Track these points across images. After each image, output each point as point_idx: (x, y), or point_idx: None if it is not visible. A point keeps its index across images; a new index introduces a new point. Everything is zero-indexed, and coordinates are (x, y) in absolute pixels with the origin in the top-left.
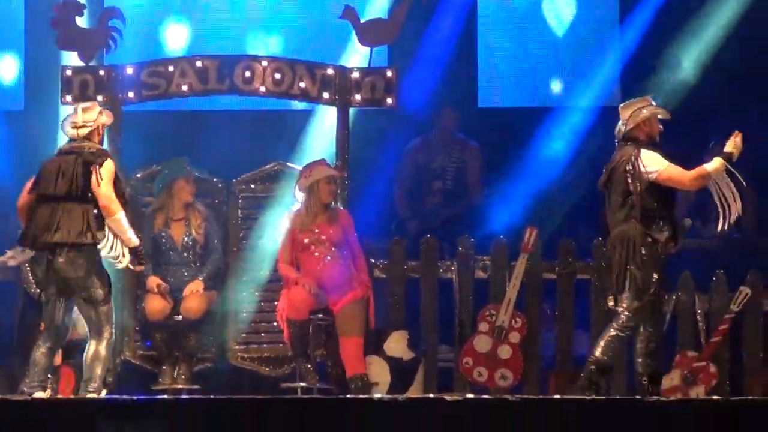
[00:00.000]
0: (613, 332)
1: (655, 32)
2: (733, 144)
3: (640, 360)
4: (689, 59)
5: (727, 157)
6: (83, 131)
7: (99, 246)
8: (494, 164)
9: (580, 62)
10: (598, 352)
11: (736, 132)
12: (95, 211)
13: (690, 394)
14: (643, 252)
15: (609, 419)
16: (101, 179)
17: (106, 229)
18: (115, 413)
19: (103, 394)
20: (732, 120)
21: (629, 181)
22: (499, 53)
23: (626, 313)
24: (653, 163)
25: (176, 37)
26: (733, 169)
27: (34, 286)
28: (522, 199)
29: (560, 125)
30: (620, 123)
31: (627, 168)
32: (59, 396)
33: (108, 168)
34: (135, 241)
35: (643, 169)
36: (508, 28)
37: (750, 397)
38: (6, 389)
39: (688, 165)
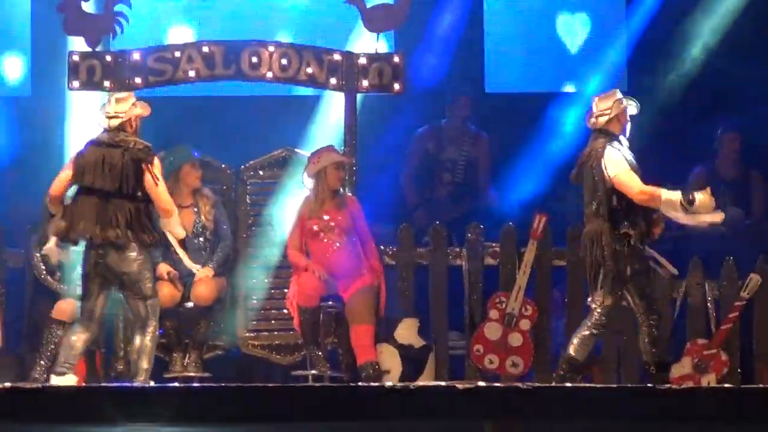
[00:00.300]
0: (587, 331)
1: (663, 17)
2: (701, 194)
3: (645, 349)
4: (699, 43)
5: (687, 201)
6: (114, 122)
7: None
8: (501, 150)
9: (587, 47)
10: (571, 350)
11: (708, 188)
12: (144, 208)
13: (701, 381)
14: (616, 248)
15: (620, 407)
16: (158, 180)
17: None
18: (126, 400)
19: (151, 384)
20: (740, 106)
21: (595, 179)
22: (506, 38)
23: (599, 310)
24: (612, 166)
25: (183, 23)
26: (689, 211)
27: (44, 273)
28: (530, 185)
29: (567, 111)
30: (595, 114)
31: (593, 165)
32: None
33: (158, 166)
34: (183, 233)
35: (604, 170)
36: (514, 12)
37: (761, 385)
38: (16, 377)
39: (696, 156)
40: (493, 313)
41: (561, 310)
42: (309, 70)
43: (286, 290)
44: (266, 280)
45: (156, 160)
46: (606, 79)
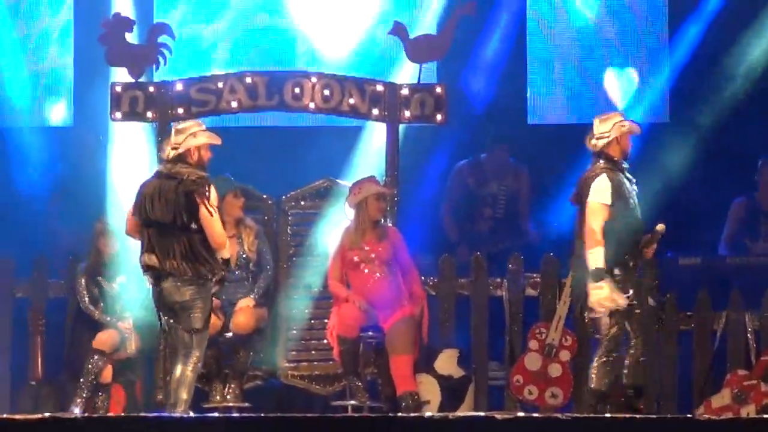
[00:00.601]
0: (602, 359)
1: (704, 48)
2: (608, 288)
3: (629, 371)
4: (740, 74)
5: (595, 276)
6: (173, 153)
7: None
8: (543, 181)
9: (628, 79)
10: (593, 383)
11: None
12: (200, 240)
13: (741, 412)
14: (634, 276)
15: None
16: (212, 213)
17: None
18: (165, 431)
19: (191, 414)
20: None
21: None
22: (549, 69)
23: (607, 338)
24: (593, 193)
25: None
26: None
27: (87, 299)
28: (571, 216)
29: None
30: (595, 137)
31: (584, 191)
32: (110, 414)
33: (214, 197)
34: (228, 253)
35: (589, 195)
36: (557, 44)
37: None
38: (55, 407)
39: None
40: (533, 344)
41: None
42: (351, 101)
43: (326, 320)
44: (306, 311)
45: (212, 191)
46: (648, 109)
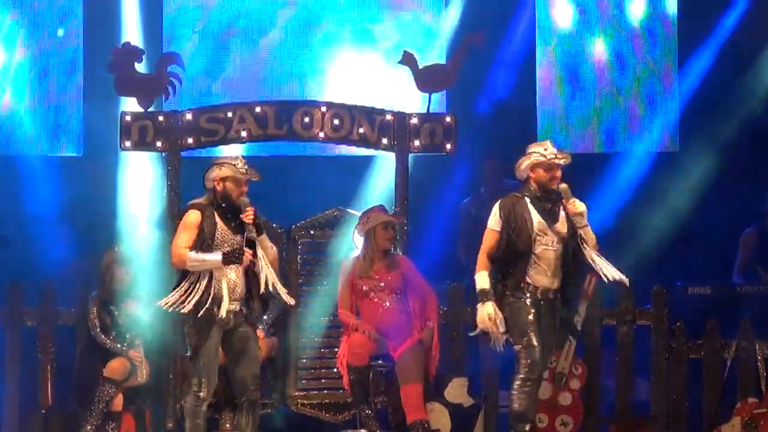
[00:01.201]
0: (519, 382)
1: (714, 78)
2: (492, 314)
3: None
4: (749, 102)
5: (484, 299)
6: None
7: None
8: None
9: (638, 108)
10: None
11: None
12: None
13: None
14: (511, 298)
15: None
16: (178, 233)
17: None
18: None
19: None
20: None
21: None
22: (558, 100)
23: (523, 357)
24: (489, 218)
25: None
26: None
27: (99, 330)
28: None
29: (618, 171)
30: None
31: None
32: None
33: (183, 222)
34: (217, 257)
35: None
36: (566, 74)
37: None
38: None
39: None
40: (544, 373)
41: (611, 370)
42: (361, 130)
43: (336, 349)
44: (316, 339)
45: (185, 216)
46: (658, 138)
